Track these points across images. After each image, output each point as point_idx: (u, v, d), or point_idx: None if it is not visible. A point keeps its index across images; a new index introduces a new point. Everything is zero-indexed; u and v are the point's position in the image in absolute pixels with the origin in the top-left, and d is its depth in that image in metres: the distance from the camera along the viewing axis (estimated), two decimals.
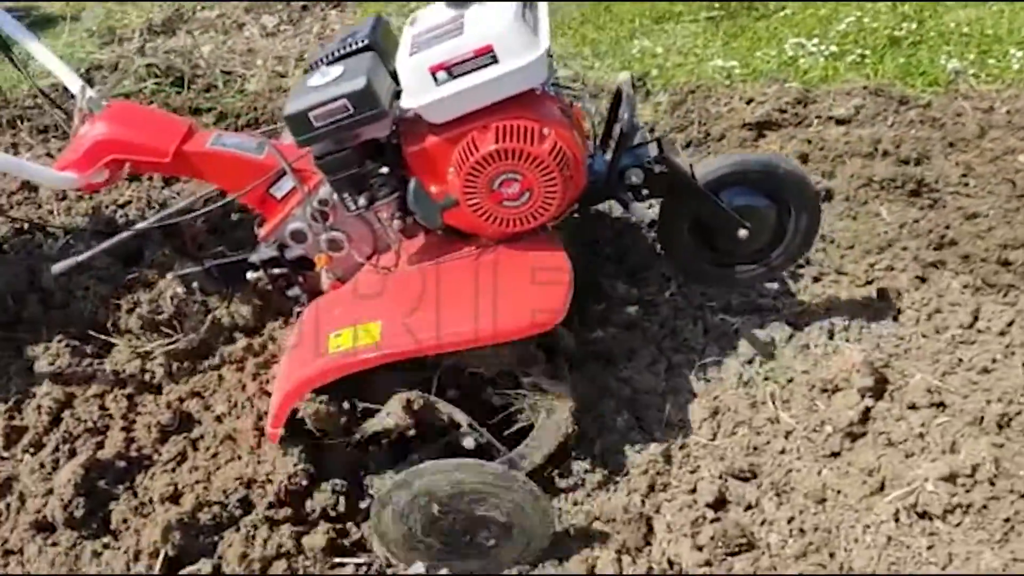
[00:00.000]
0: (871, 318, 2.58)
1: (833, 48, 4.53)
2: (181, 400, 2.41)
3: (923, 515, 2.05)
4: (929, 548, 2.00)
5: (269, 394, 2.42)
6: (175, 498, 2.11)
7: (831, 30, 4.77)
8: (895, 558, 2.00)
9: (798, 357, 2.47)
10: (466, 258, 2.20)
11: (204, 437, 2.32)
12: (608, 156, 2.28)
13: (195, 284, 2.60)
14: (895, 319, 2.59)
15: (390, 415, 2.05)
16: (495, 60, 1.94)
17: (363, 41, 2.13)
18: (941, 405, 2.29)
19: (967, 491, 2.06)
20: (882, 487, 2.12)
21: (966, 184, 3.24)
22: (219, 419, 2.36)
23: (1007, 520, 2.02)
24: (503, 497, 1.93)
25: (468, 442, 2.08)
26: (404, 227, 2.23)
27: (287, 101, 2.03)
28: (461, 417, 2.09)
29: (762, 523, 2.12)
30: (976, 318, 2.54)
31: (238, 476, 2.16)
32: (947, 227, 2.92)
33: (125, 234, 2.50)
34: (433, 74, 1.95)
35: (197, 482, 2.16)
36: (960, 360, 2.41)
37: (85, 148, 2.29)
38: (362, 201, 2.15)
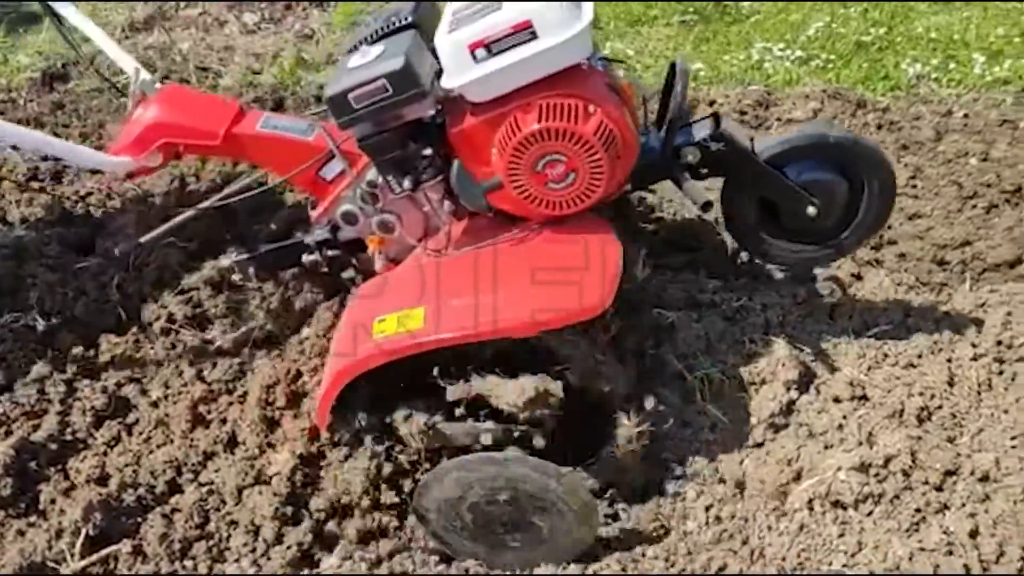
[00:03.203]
0: (806, 314, 2.61)
1: (799, 53, 4.58)
2: (119, 385, 2.46)
3: (836, 504, 2.08)
4: (840, 536, 2.03)
5: (204, 380, 2.47)
6: (102, 480, 2.15)
7: (800, 35, 4.82)
8: (806, 545, 2.03)
9: (731, 351, 2.50)
10: (512, 242, 2.12)
11: (139, 422, 2.36)
12: (663, 134, 2.20)
13: (251, 270, 2.54)
14: (829, 315, 2.61)
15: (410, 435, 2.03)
16: (534, 36, 1.84)
17: (406, 19, 2.09)
18: (863, 398, 2.32)
19: (880, 481, 2.09)
20: (798, 476, 2.15)
21: (914, 186, 3.28)
22: (155, 404, 2.40)
23: (918, 510, 2.05)
24: (546, 491, 1.94)
25: (485, 438, 2.01)
26: (455, 209, 2.21)
27: (328, 83, 2.00)
28: (477, 427, 2.03)
29: (682, 511, 2.15)
30: (907, 315, 2.57)
31: (168, 459, 2.20)
32: (888, 227, 2.96)
33: (183, 216, 2.50)
34: (472, 52, 1.87)
35: (126, 465, 2.20)
36: (886, 355, 2.44)
37: (138, 132, 2.32)
38: (407, 183, 2.10)
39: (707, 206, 2.13)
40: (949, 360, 2.41)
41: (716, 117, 2.20)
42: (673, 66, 2.21)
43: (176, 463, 2.21)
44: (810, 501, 2.09)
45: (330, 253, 2.37)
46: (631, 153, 2.02)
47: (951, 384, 2.36)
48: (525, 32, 1.83)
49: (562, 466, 1.96)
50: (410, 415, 2.03)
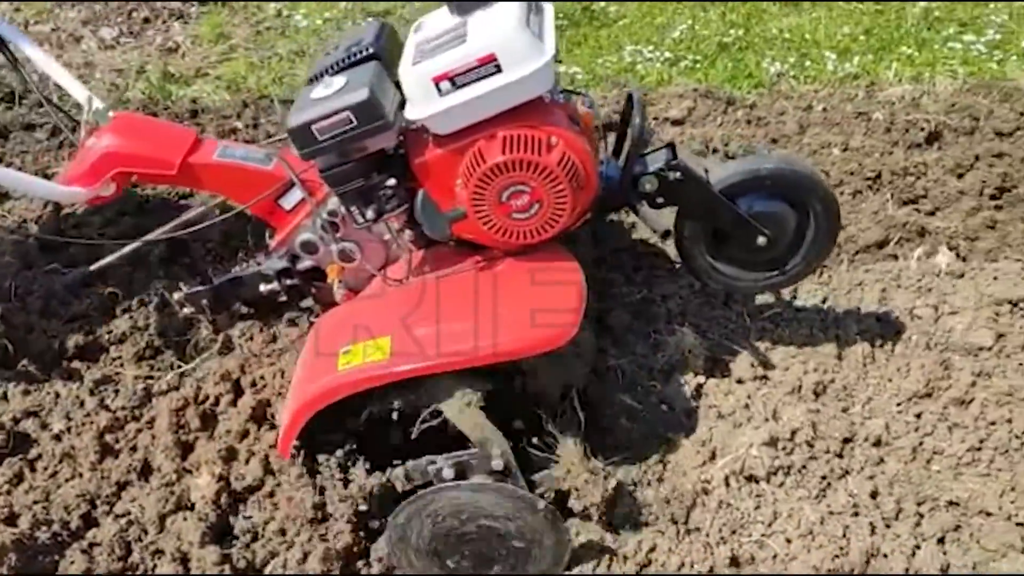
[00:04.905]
0: (703, 303, 2.75)
1: (668, 54, 4.78)
2: (16, 420, 2.32)
3: (750, 478, 2.21)
4: (756, 508, 2.16)
5: (108, 408, 2.37)
6: (10, 519, 2.03)
7: (666, 37, 5.04)
8: (726, 519, 2.14)
9: (639, 342, 2.60)
10: (476, 270, 2.14)
11: (42, 456, 2.24)
12: (620, 163, 2.23)
13: (205, 302, 2.49)
14: (724, 303, 2.76)
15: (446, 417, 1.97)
16: (499, 69, 1.86)
17: (368, 49, 2.08)
18: (764, 378, 2.47)
19: (787, 454, 2.24)
20: (713, 456, 2.27)
21: None
22: (57, 437, 2.29)
23: (823, 477, 2.21)
24: (523, 521, 1.94)
25: (497, 464, 1.99)
26: (415, 238, 2.21)
27: (289, 113, 1.97)
28: (500, 440, 1.99)
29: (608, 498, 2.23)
30: (794, 297, 2.75)
31: (80, 493, 2.11)
32: None
33: (133, 244, 2.40)
34: (436, 84, 1.88)
35: (35, 502, 2.09)
36: (780, 336, 2.61)
37: (91, 161, 2.24)
38: (370, 214, 2.08)
39: (667, 234, 2.21)
40: (836, 337, 2.61)
41: (672, 147, 2.25)
42: (630, 96, 2.26)
43: (89, 496, 2.12)
44: (727, 478, 2.21)
45: (288, 282, 2.34)
46: (592, 184, 2.05)
47: (840, 359, 2.55)
48: (490, 65, 1.86)
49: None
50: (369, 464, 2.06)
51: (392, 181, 2.05)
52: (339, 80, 1.97)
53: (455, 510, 1.94)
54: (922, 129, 3.77)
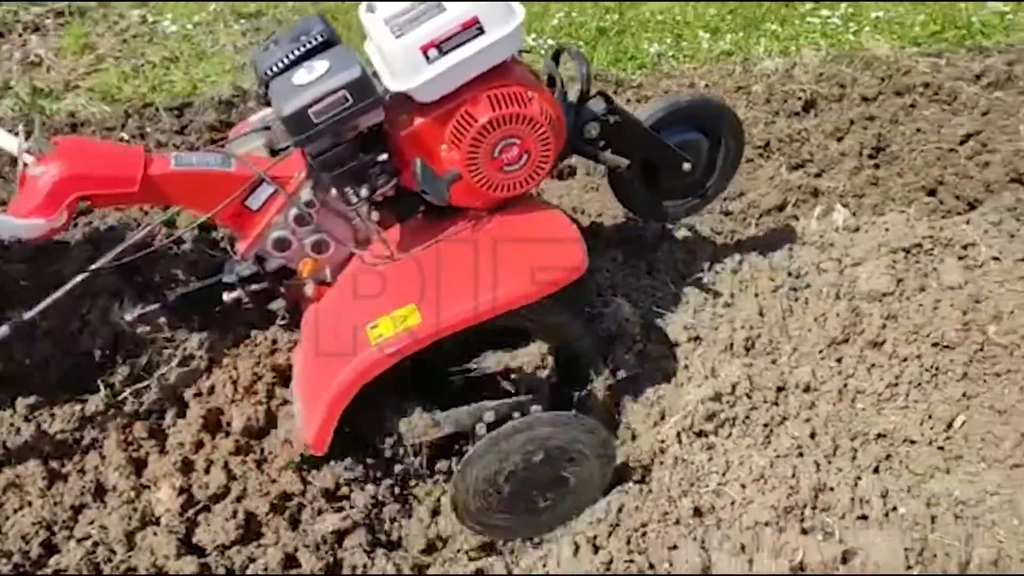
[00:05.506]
0: (629, 274, 2.87)
1: (551, 41, 4.89)
2: None
3: (700, 433, 2.34)
4: (709, 460, 2.29)
5: (47, 433, 2.27)
6: None
7: (546, 25, 5.15)
8: (684, 474, 2.27)
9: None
10: (471, 230, 2.24)
11: None
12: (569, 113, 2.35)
13: (162, 320, 2.40)
14: (647, 271, 2.89)
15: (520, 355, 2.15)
16: (481, 31, 1.97)
17: (322, 36, 2.10)
18: (697, 339, 2.61)
19: (731, 407, 2.38)
20: (663, 415, 2.39)
21: None
22: None
23: (765, 425, 2.37)
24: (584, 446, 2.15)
25: (535, 409, 2.13)
26: (380, 217, 2.25)
27: (278, 103, 1.96)
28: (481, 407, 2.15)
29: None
30: (712, 261, 2.91)
31: (35, 520, 2.03)
32: None
33: (82, 276, 2.18)
34: (424, 52, 1.96)
35: None
36: (706, 299, 2.76)
37: (46, 191, 2.06)
38: (364, 192, 2.11)
39: (629, 168, 2.44)
40: (756, 295, 2.77)
41: (604, 94, 2.43)
42: (557, 53, 2.42)
43: (45, 523, 2.03)
44: (678, 435, 2.33)
45: (255, 287, 2.29)
46: (563, 131, 2.22)
47: (761, 315, 2.71)
48: (473, 28, 1.97)
49: None
50: (405, 413, 2.14)
51: (383, 156, 2.09)
52: (320, 64, 1.99)
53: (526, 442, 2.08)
54: (799, 98, 4.04)
